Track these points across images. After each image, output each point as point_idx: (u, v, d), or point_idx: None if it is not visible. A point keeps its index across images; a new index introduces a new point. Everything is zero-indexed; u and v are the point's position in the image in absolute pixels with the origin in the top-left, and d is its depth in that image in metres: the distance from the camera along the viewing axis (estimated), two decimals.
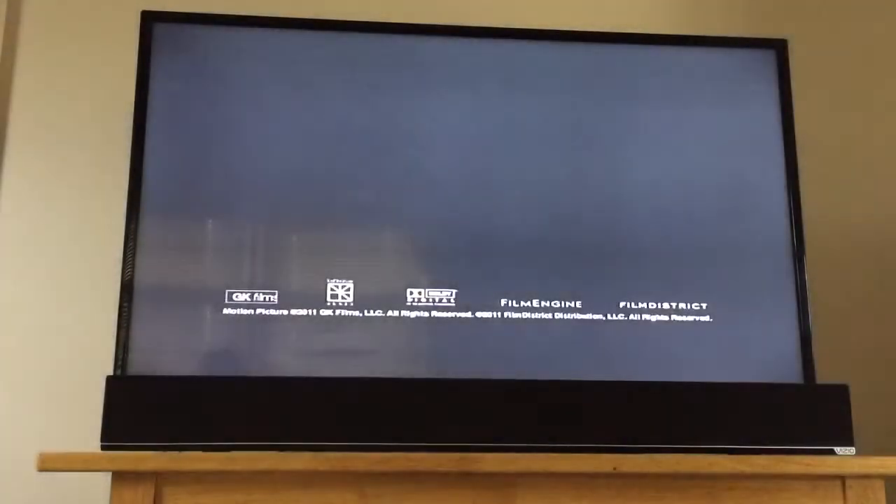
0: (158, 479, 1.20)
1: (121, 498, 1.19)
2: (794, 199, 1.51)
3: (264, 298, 1.42)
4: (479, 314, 1.43)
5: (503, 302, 1.44)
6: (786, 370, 1.44)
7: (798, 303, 1.47)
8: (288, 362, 1.39)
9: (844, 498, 1.27)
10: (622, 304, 1.45)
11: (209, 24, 1.51)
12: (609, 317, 1.44)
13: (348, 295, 1.42)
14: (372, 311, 1.42)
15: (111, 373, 1.34)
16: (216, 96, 1.48)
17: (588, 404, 1.32)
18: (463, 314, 1.43)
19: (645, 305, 1.45)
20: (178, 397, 1.28)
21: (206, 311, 1.41)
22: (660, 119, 1.53)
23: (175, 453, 1.20)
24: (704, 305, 1.46)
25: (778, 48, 1.57)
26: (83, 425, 1.59)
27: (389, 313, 1.42)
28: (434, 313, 1.43)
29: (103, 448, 1.24)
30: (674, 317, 1.45)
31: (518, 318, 1.43)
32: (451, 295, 1.44)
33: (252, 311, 1.41)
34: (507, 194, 1.48)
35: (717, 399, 1.34)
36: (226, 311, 1.41)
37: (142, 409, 1.27)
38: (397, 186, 1.47)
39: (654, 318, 1.45)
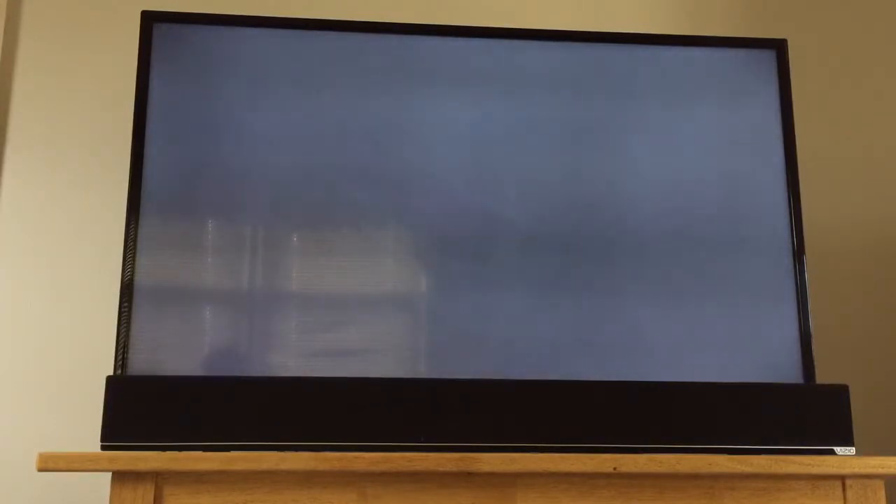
0: (158, 479, 1.20)
1: (121, 498, 1.19)
2: (794, 199, 1.51)
3: (264, 298, 1.42)
4: (479, 314, 1.43)
5: (504, 302, 1.44)
6: (786, 370, 1.45)
7: (798, 303, 1.47)
8: (288, 362, 1.40)
9: (844, 498, 1.27)
10: (623, 304, 1.45)
11: (209, 24, 1.51)
12: (609, 317, 1.44)
13: (348, 294, 1.42)
14: (372, 311, 1.42)
15: (111, 373, 1.34)
16: (216, 96, 1.48)
17: (588, 404, 1.32)
18: (463, 314, 1.43)
19: (645, 305, 1.45)
20: (178, 397, 1.28)
21: (206, 311, 1.41)
22: (660, 119, 1.53)
23: (175, 453, 1.20)
24: (704, 305, 1.46)
25: (778, 48, 1.57)
26: (83, 425, 1.59)
27: (390, 313, 1.42)
28: (434, 313, 1.43)
29: (103, 448, 1.24)
30: (674, 317, 1.45)
31: (519, 318, 1.43)
32: (452, 295, 1.44)
33: (252, 311, 1.41)
34: (507, 194, 1.48)
35: (717, 399, 1.34)
36: (226, 310, 1.41)
37: (142, 409, 1.27)
38: (397, 186, 1.48)
39: (654, 317, 1.45)
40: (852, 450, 1.31)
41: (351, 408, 1.29)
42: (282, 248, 1.44)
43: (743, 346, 1.46)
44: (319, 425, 1.27)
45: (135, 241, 1.40)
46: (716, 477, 1.27)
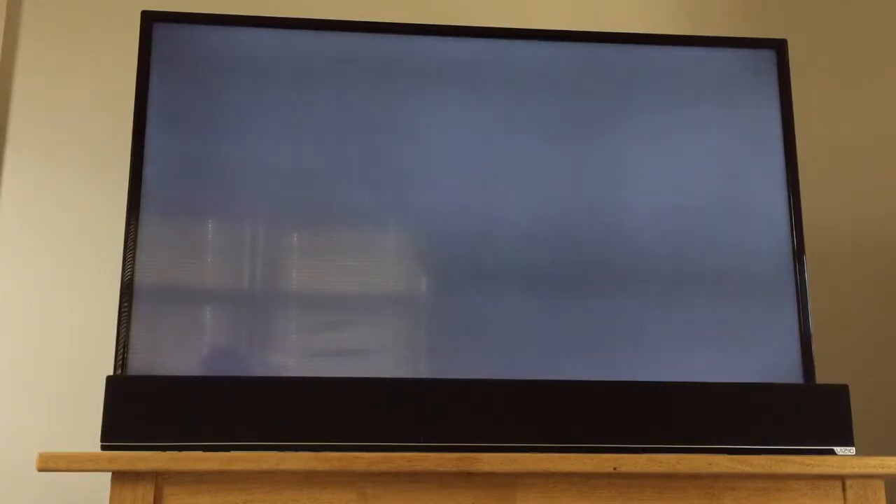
0: (158, 479, 1.20)
1: (121, 498, 1.19)
2: (795, 199, 1.51)
3: (264, 298, 1.42)
4: (479, 314, 1.43)
5: (503, 302, 1.44)
6: (786, 370, 1.45)
7: (798, 303, 1.47)
8: (288, 362, 1.40)
9: (844, 498, 1.27)
10: (623, 304, 1.45)
11: (209, 24, 1.51)
12: (609, 316, 1.44)
13: (348, 294, 1.42)
14: (372, 311, 1.42)
15: (111, 373, 1.34)
16: (216, 96, 1.48)
17: (588, 404, 1.32)
18: (463, 314, 1.43)
19: (645, 305, 1.45)
20: (178, 397, 1.28)
21: (205, 311, 1.41)
22: (659, 119, 1.53)
23: (175, 453, 1.20)
24: (705, 305, 1.46)
25: (778, 48, 1.57)
26: (83, 425, 1.59)
27: (389, 313, 1.42)
28: (434, 313, 1.43)
29: (103, 448, 1.24)
30: (674, 316, 1.45)
31: (518, 318, 1.43)
32: (452, 295, 1.44)
33: (252, 311, 1.41)
34: (506, 194, 1.48)
35: (717, 399, 1.34)
36: (226, 310, 1.41)
37: (142, 409, 1.27)
38: (397, 186, 1.48)
39: (654, 317, 1.45)
40: (852, 450, 1.31)
41: (351, 408, 1.29)
42: (282, 248, 1.44)
43: (743, 346, 1.46)
44: (319, 425, 1.27)
45: (135, 241, 1.40)
46: (716, 477, 1.27)
